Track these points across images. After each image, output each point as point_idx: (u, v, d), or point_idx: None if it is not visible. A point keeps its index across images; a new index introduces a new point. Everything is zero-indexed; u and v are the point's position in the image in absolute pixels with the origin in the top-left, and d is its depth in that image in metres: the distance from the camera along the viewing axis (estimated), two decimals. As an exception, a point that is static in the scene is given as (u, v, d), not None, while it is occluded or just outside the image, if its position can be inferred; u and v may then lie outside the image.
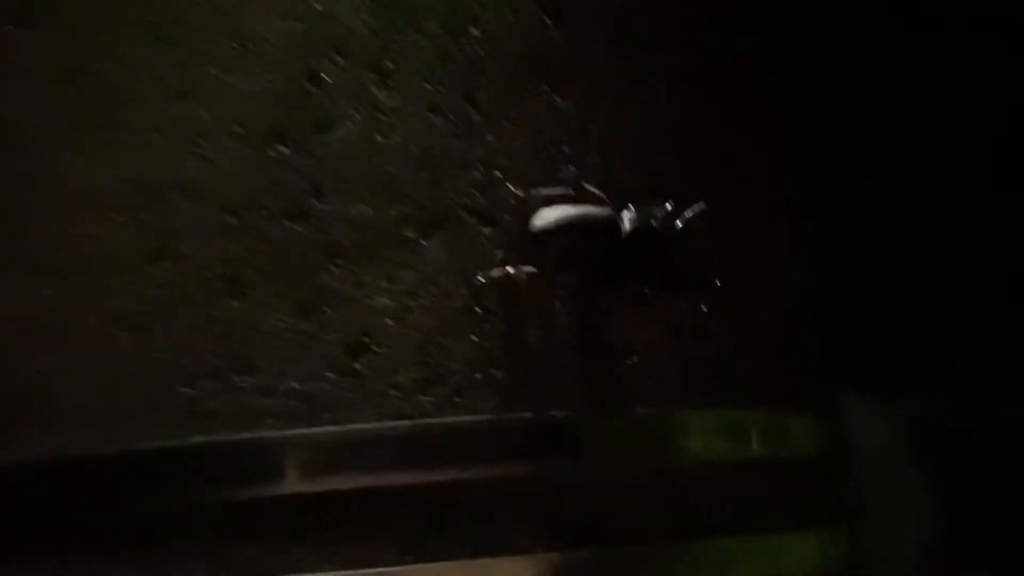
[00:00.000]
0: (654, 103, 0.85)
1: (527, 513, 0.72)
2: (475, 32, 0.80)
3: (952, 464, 1.19)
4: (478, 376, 0.71)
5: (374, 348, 0.70)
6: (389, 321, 0.70)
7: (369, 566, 0.66)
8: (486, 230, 0.75)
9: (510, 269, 0.73)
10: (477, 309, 0.72)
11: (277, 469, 0.67)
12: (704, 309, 0.76)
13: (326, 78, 0.75)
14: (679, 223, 0.76)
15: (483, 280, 0.72)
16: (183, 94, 0.73)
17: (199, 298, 0.69)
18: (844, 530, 0.91)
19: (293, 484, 0.66)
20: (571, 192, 0.75)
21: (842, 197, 1.04)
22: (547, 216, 0.74)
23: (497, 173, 0.76)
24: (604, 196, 0.76)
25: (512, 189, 0.76)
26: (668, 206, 0.77)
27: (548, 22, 0.83)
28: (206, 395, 0.67)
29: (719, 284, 0.77)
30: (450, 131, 0.76)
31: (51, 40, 0.72)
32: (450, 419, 0.69)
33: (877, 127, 1.10)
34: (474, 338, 0.72)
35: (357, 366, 0.69)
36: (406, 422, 0.68)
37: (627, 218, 0.75)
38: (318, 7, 0.76)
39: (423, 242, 0.73)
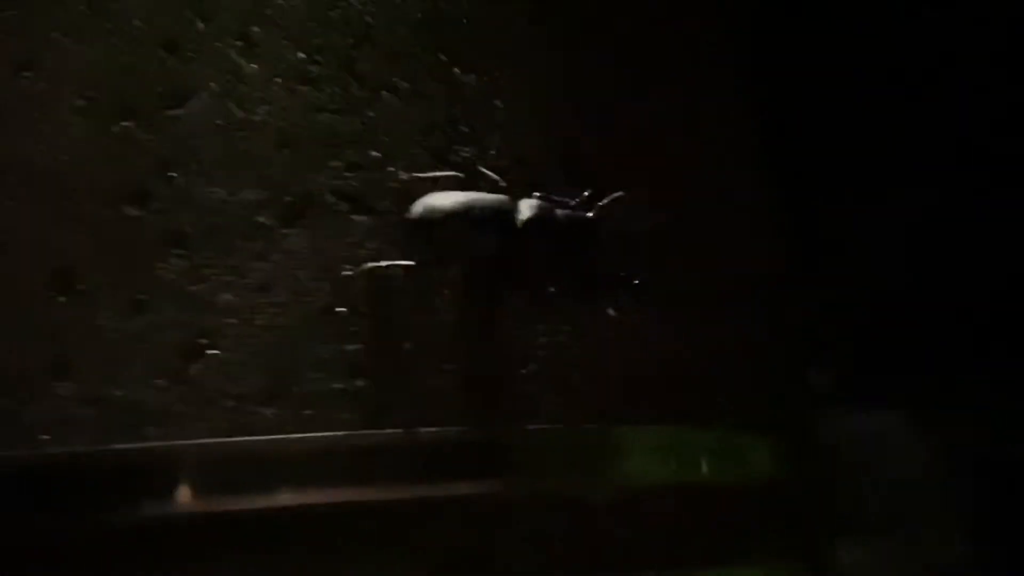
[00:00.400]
0: (576, 77, 0.74)
1: (406, 544, 0.61)
2: (363, -6, 0.70)
3: (976, 480, 1.06)
4: (335, 386, 0.60)
5: (213, 351, 0.60)
6: (233, 321, 0.61)
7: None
8: (359, 218, 0.65)
9: (384, 263, 0.62)
10: (340, 309, 0.62)
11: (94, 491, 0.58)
12: (612, 313, 0.65)
13: (183, 45, 0.65)
14: (591, 213, 0.65)
15: (351, 274, 0.62)
16: (22, 64, 0.64)
17: (20, 294, 0.60)
18: (804, 564, 0.78)
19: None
20: (460, 176, 0.65)
21: (808, 186, 0.91)
22: (429, 203, 0.64)
23: (375, 153, 0.66)
24: (501, 181, 0.66)
25: (393, 172, 0.65)
26: (584, 194, 0.66)
27: (450, -16, 0.73)
28: (18, 404, 0.58)
29: (638, 283, 0.66)
30: (323, 104, 0.66)
31: None
32: (297, 435, 0.58)
33: (838, 117, 0.98)
34: (334, 343, 0.61)
35: (191, 372, 0.59)
36: (245, 438, 0.58)
37: (525, 207, 0.64)
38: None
39: (282, 231, 0.63)
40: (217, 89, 0.66)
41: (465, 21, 0.72)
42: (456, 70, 0.71)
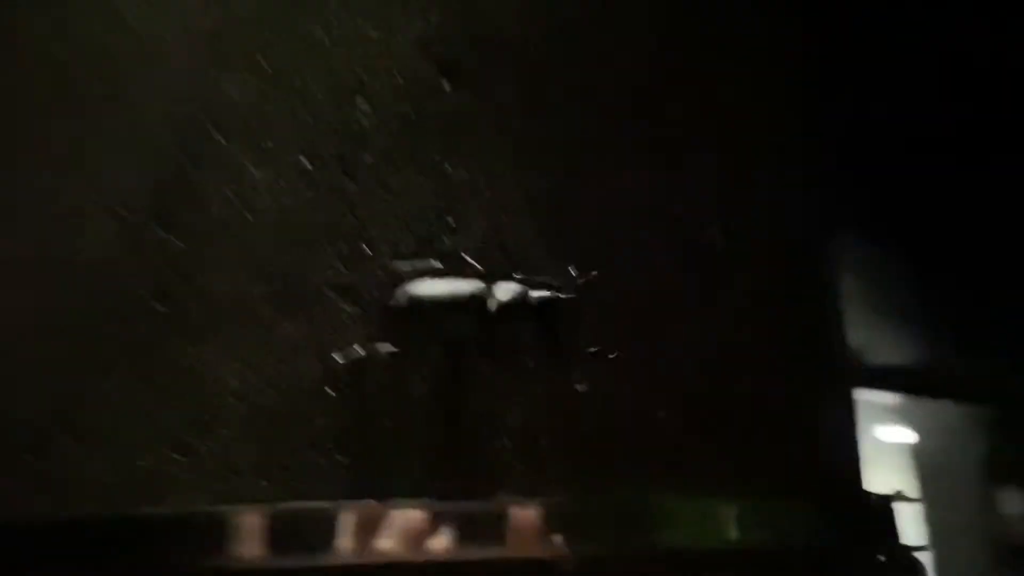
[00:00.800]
0: (555, 167, 0.80)
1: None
2: (361, 102, 0.78)
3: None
4: (321, 461, 0.69)
5: (219, 429, 0.69)
6: (236, 402, 0.70)
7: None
8: (347, 307, 0.73)
9: (369, 347, 0.70)
10: (328, 390, 0.70)
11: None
12: (580, 388, 0.70)
13: (202, 155, 0.75)
14: (569, 293, 0.71)
15: (340, 359, 0.70)
16: (70, 170, 0.76)
17: (69, 370, 0.71)
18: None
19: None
20: (439, 265, 0.72)
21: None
22: (411, 291, 0.71)
23: (365, 246, 0.74)
24: (480, 269, 0.72)
25: (379, 263, 0.73)
26: (553, 278, 0.72)
27: (444, 84, 0.80)
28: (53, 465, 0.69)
29: (595, 351, 0.71)
30: (320, 203, 0.75)
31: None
32: (286, 505, 0.67)
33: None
34: (320, 421, 0.69)
35: (200, 447, 0.69)
36: (240, 506, 0.67)
37: (499, 291, 0.70)
38: (206, 88, 0.76)
39: (281, 321, 0.72)
40: (230, 194, 0.75)
41: (456, 118, 0.79)
42: (446, 165, 0.78)
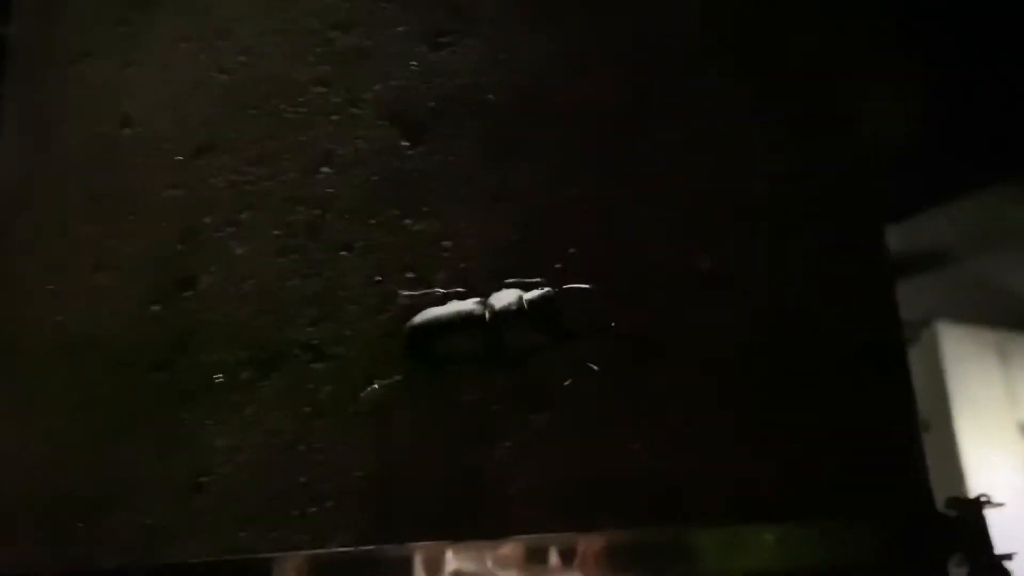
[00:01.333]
0: (517, 212, 0.82)
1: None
2: (326, 170, 0.84)
3: None
4: (294, 513, 0.75)
5: (209, 487, 0.77)
6: (222, 461, 0.77)
7: None
8: (317, 366, 0.78)
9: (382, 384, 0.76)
10: (300, 447, 0.76)
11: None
12: (594, 368, 0.73)
13: (192, 236, 0.84)
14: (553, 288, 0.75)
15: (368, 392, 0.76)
16: (98, 267, 0.87)
17: (94, 444, 0.81)
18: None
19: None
20: (436, 293, 0.77)
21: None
22: (423, 316, 0.77)
23: (331, 307, 0.79)
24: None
25: (347, 321, 0.79)
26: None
27: (405, 144, 0.84)
28: (93, 525, 0.79)
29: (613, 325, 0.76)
30: (292, 270, 0.81)
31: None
32: (266, 555, 0.73)
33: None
34: (293, 476, 0.76)
35: (195, 503, 0.77)
36: (231, 556, 0.74)
37: (494, 301, 0.76)
38: (196, 173, 0.85)
39: (259, 383, 0.79)
40: (215, 271, 0.83)
41: (417, 175, 0.83)
42: (407, 220, 0.82)
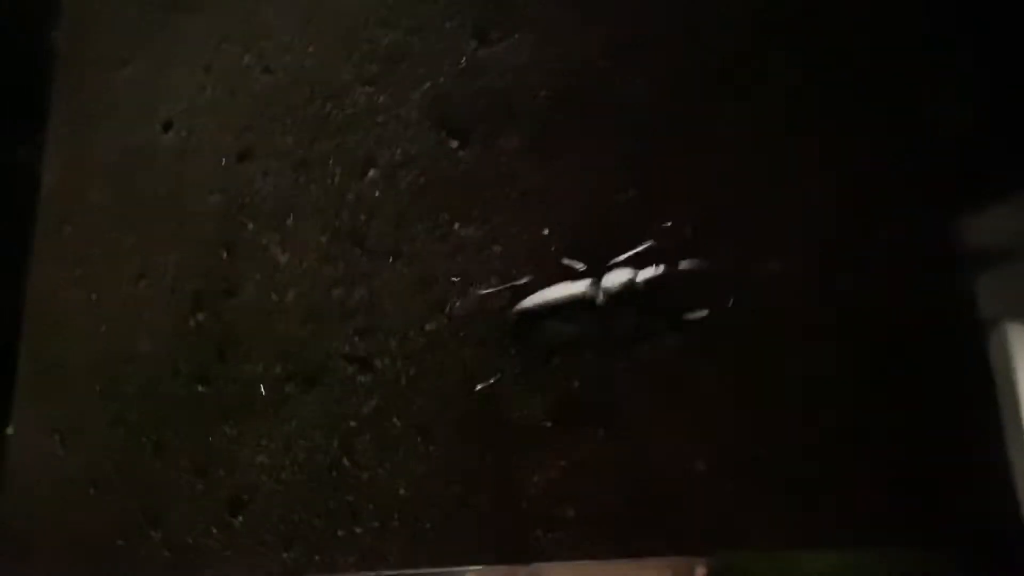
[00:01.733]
0: (563, 210, 0.78)
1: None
2: (372, 174, 0.80)
3: None
4: (340, 533, 0.71)
5: (250, 505, 0.73)
6: (264, 478, 0.74)
7: None
8: (362, 378, 0.75)
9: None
10: (345, 463, 0.73)
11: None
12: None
13: (236, 244, 0.81)
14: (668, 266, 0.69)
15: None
16: (140, 276, 0.84)
17: (132, 460, 0.79)
18: None
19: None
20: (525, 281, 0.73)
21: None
22: (528, 301, 0.72)
23: (379, 317, 0.76)
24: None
25: (393, 332, 0.75)
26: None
27: (453, 145, 0.80)
28: (131, 544, 0.77)
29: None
30: (337, 279, 0.78)
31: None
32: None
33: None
34: (339, 494, 0.72)
35: (235, 522, 0.74)
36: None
37: (607, 283, 0.70)
38: (237, 178, 0.82)
39: (302, 396, 0.75)
40: (259, 279, 0.80)
41: (465, 175, 0.79)
42: (456, 225, 0.78)
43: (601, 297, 0.69)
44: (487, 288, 0.73)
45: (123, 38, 0.92)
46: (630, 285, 0.69)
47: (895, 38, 0.85)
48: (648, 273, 0.69)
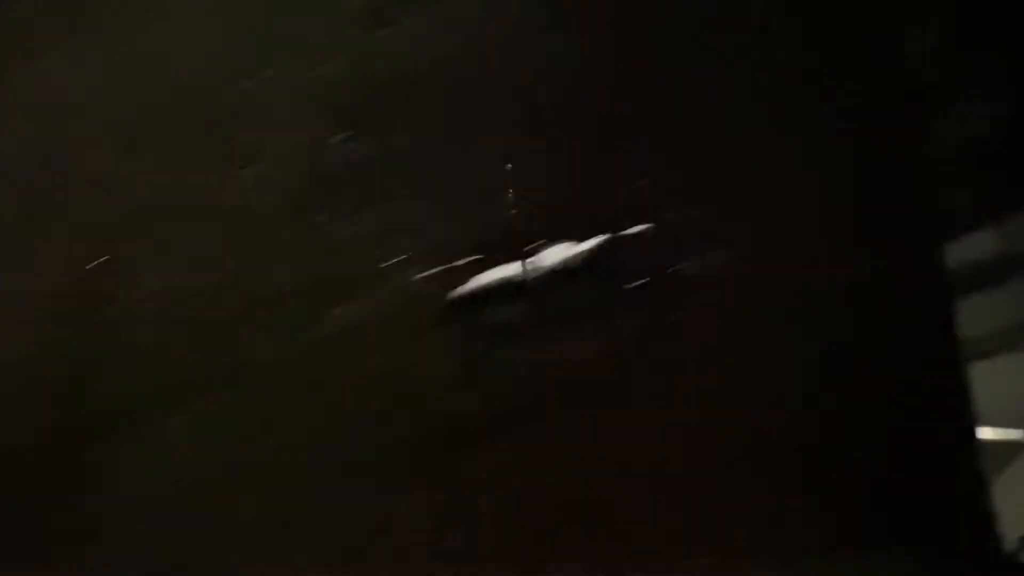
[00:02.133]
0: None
1: None
2: (252, 170, 0.73)
3: None
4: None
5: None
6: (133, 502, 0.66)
7: None
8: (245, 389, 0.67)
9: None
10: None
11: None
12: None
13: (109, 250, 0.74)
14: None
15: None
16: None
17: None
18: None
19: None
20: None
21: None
22: (465, 287, 0.66)
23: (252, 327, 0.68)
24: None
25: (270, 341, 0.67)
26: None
27: (342, 136, 0.74)
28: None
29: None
30: (217, 284, 0.71)
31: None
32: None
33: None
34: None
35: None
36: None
37: (544, 260, 0.65)
38: (115, 180, 0.75)
39: (179, 413, 0.68)
40: (131, 289, 0.72)
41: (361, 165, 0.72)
42: (352, 218, 0.71)
43: (534, 276, 0.64)
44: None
45: (22, 33, 0.86)
46: (564, 261, 0.64)
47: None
48: (585, 246, 0.64)
